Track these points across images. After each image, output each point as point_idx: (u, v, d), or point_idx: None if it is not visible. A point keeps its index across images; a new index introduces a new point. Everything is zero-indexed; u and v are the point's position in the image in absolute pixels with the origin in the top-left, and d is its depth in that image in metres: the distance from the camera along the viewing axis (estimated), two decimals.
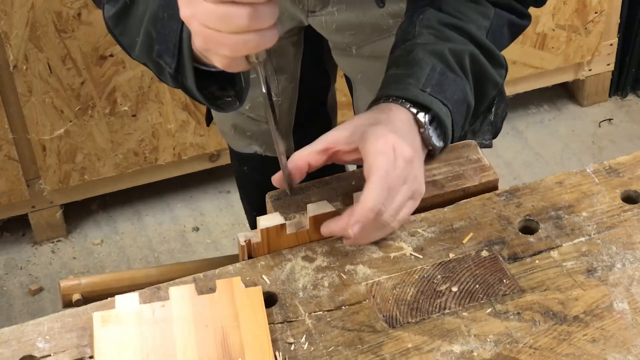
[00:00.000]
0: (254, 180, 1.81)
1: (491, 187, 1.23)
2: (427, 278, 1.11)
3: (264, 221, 1.14)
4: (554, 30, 2.63)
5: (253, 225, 1.16)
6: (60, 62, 2.24)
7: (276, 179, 1.16)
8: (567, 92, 2.95)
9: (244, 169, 1.82)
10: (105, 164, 2.42)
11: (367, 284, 1.10)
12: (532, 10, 1.33)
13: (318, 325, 1.06)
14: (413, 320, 1.06)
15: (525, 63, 2.66)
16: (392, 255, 1.14)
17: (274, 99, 1.09)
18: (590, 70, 2.80)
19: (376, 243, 1.15)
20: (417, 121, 1.18)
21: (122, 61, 2.28)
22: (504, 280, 1.10)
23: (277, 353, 1.03)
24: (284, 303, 1.09)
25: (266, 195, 1.21)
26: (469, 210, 1.19)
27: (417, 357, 1.02)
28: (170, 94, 2.37)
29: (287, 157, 1.16)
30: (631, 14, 2.77)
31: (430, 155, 1.23)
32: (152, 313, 1.06)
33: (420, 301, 1.08)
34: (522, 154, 2.76)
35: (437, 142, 1.20)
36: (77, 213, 2.59)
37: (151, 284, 1.11)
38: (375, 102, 1.22)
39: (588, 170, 1.24)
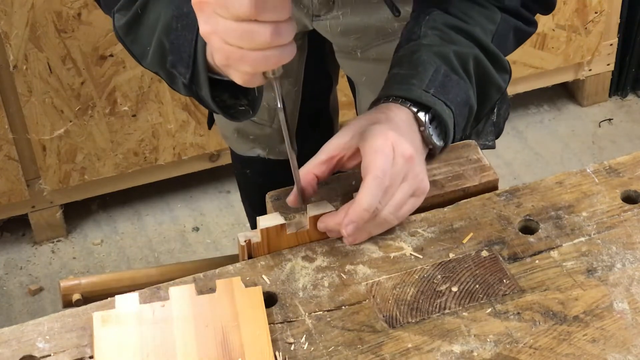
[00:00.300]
0: (256, 183, 1.81)
1: (491, 187, 1.23)
2: (427, 278, 1.11)
3: (264, 221, 1.14)
4: (554, 30, 2.63)
5: (254, 228, 1.16)
6: (60, 62, 2.24)
7: (291, 200, 1.16)
8: (567, 92, 2.95)
9: (247, 172, 1.82)
10: (105, 164, 2.42)
11: (367, 284, 1.10)
12: None
13: (318, 325, 1.06)
14: (413, 320, 1.06)
15: (525, 63, 2.66)
16: (392, 255, 1.14)
17: (279, 106, 1.09)
18: (590, 70, 2.80)
19: (376, 243, 1.15)
20: (417, 120, 1.18)
21: (122, 61, 2.28)
22: (504, 280, 1.10)
23: (277, 353, 1.03)
24: (284, 303, 1.09)
25: (266, 195, 1.21)
26: (469, 210, 1.19)
27: (417, 357, 1.02)
28: (170, 94, 2.37)
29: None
30: (631, 14, 2.77)
31: (431, 154, 1.23)
32: (152, 313, 1.06)
33: (420, 301, 1.08)
34: (522, 154, 2.76)
35: (438, 141, 1.20)
36: (77, 213, 2.59)
37: (151, 284, 1.11)
38: (376, 102, 1.22)
39: (588, 170, 1.24)
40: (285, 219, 1.14)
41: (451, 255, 1.13)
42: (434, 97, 1.18)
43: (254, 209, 1.88)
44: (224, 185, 2.68)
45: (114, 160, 2.42)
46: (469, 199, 1.21)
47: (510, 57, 1.31)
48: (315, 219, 1.15)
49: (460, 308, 1.07)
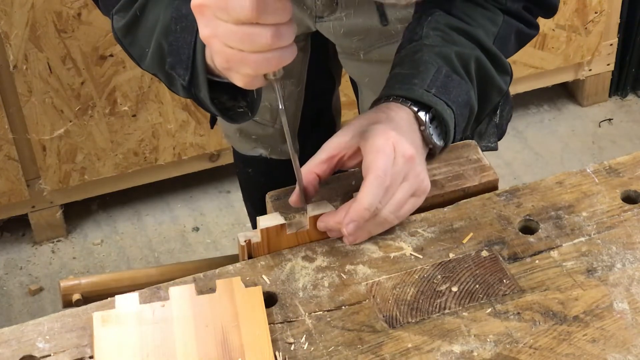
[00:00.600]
0: (258, 183, 1.81)
1: (491, 187, 1.23)
2: (427, 278, 1.11)
3: (264, 221, 1.14)
4: (554, 30, 2.63)
5: (256, 228, 1.16)
6: (60, 62, 2.24)
7: (293, 200, 1.16)
8: (567, 92, 2.95)
9: (249, 172, 1.82)
10: (105, 164, 2.42)
11: (367, 284, 1.10)
12: None
13: (318, 325, 1.06)
14: (413, 320, 1.06)
15: (525, 63, 2.66)
16: (392, 255, 1.14)
17: (280, 107, 1.10)
18: (590, 70, 2.80)
19: (376, 243, 1.15)
20: (417, 119, 1.18)
21: (122, 61, 2.28)
22: (504, 280, 1.10)
23: (277, 353, 1.03)
24: (284, 303, 1.09)
25: (266, 195, 1.21)
26: (469, 210, 1.19)
27: (417, 357, 1.02)
28: (170, 94, 2.37)
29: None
30: (631, 14, 2.77)
31: (431, 154, 1.23)
32: (152, 313, 1.06)
33: (420, 301, 1.08)
34: (522, 154, 2.76)
35: (438, 141, 1.20)
36: (77, 213, 2.59)
37: (151, 284, 1.11)
38: (377, 101, 1.22)
39: (588, 170, 1.24)
40: (285, 219, 1.14)
41: (451, 255, 1.13)
42: (435, 97, 1.18)
43: (256, 208, 1.88)
44: (224, 185, 2.68)
45: (114, 160, 2.42)
46: (469, 199, 1.21)
47: (510, 57, 1.31)
48: (315, 219, 1.15)
49: (460, 308, 1.07)
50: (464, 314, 1.07)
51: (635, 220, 1.17)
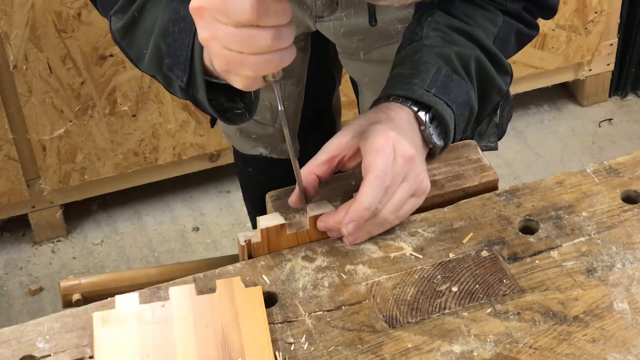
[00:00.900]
0: (258, 182, 1.81)
1: (491, 187, 1.23)
2: (427, 278, 1.11)
3: (264, 221, 1.14)
4: (554, 30, 2.63)
5: (256, 227, 1.16)
6: (60, 62, 2.24)
7: (293, 200, 1.16)
8: (567, 92, 2.95)
9: (249, 171, 1.82)
10: (105, 164, 2.42)
11: (367, 284, 1.10)
12: None
13: (318, 325, 1.06)
14: (413, 320, 1.06)
15: (525, 63, 2.66)
16: (392, 255, 1.14)
17: (280, 109, 1.10)
18: (590, 70, 2.80)
19: (376, 243, 1.15)
20: (417, 119, 1.18)
21: (122, 61, 2.28)
22: (504, 280, 1.10)
23: (277, 353, 1.03)
24: (284, 303, 1.09)
25: (266, 195, 1.21)
26: (469, 210, 1.19)
27: (417, 357, 1.02)
28: (171, 94, 2.36)
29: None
30: (631, 14, 2.77)
31: (430, 154, 1.23)
32: (152, 313, 1.06)
33: (420, 301, 1.08)
34: (522, 154, 2.76)
35: (438, 141, 1.20)
36: (77, 213, 2.59)
37: (151, 284, 1.11)
38: (377, 101, 1.22)
39: (588, 170, 1.24)
40: (285, 219, 1.14)
41: (451, 255, 1.13)
42: (435, 96, 1.18)
43: (256, 208, 1.88)
44: (224, 185, 2.68)
45: (114, 160, 2.42)
46: (469, 199, 1.21)
47: (510, 58, 1.31)
48: (315, 219, 1.15)
49: (460, 308, 1.07)
50: (464, 314, 1.07)
51: (635, 220, 1.17)
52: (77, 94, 2.29)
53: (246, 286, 1.08)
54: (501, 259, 1.13)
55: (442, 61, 1.21)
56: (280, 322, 1.06)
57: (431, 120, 1.19)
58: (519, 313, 1.06)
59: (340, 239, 1.16)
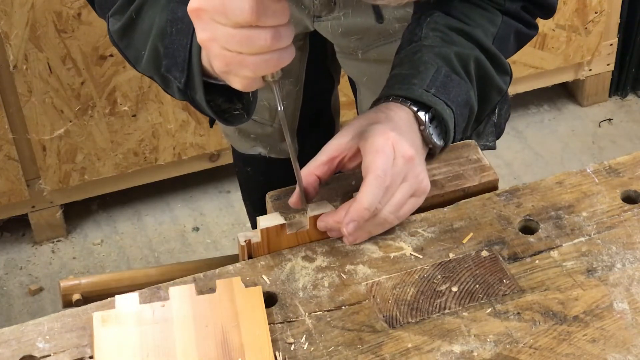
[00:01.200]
0: (257, 182, 1.81)
1: (491, 187, 1.23)
2: (427, 278, 1.11)
3: (264, 221, 1.14)
4: (554, 30, 2.63)
5: (255, 227, 1.16)
6: (60, 62, 2.24)
7: (293, 201, 1.16)
8: (567, 92, 2.95)
9: (248, 170, 1.82)
10: (105, 164, 2.42)
11: (367, 284, 1.10)
12: None
13: (318, 325, 1.06)
14: (413, 320, 1.06)
15: (525, 63, 2.66)
16: (392, 255, 1.14)
17: (279, 109, 1.10)
18: (590, 70, 2.80)
19: (376, 243, 1.15)
20: (417, 119, 1.18)
21: (122, 61, 2.28)
22: (504, 280, 1.10)
23: (277, 353, 1.03)
24: (284, 303, 1.09)
25: (266, 195, 1.21)
26: (469, 210, 1.19)
27: (417, 357, 1.02)
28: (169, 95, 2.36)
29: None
30: (631, 14, 2.77)
31: (430, 154, 1.23)
32: (152, 313, 1.06)
33: (420, 301, 1.08)
34: (522, 154, 2.76)
35: (438, 141, 1.20)
36: (77, 213, 2.59)
37: (151, 284, 1.11)
38: (376, 101, 1.22)
39: (588, 170, 1.24)
40: (285, 219, 1.14)
41: (451, 255, 1.13)
42: (434, 96, 1.18)
43: (255, 207, 1.88)
44: (224, 185, 2.68)
45: (114, 160, 2.42)
46: (469, 199, 1.21)
47: (510, 57, 1.31)
48: (315, 219, 1.15)
49: (460, 308, 1.07)
50: (464, 314, 1.07)
51: (635, 220, 1.17)
52: (77, 94, 2.29)
53: (246, 286, 1.08)
54: (501, 259, 1.13)
55: (441, 61, 1.21)
56: (280, 322, 1.06)
57: (431, 120, 1.19)
58: (519, 313, 1.06)
59: (340, 239, 1.16)
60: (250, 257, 1.15)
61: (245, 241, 1.14)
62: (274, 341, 1.04)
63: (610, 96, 2.93)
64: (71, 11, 2.18)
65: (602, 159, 2.68)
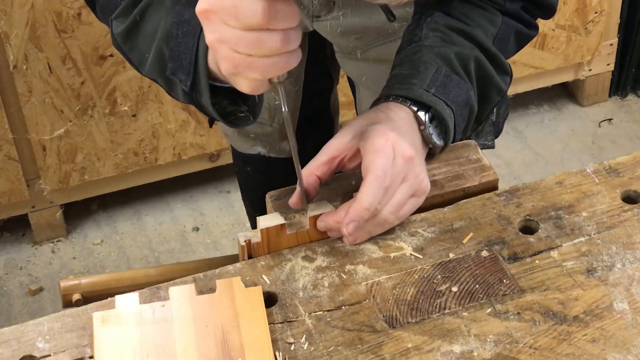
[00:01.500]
0: (257, 181, 1.81)
1: (491, 187, 1.23)
2: (427, 278, 1.11)
3: (264, 221, 1.14)
4: (554, 30, 2.63)
5: (255, 227, 1.16)
6: (60, 62, 2.24)
7: (293, 201, 1.16)
8: (567, 92, 2.95)
9: (247, 170, 1.82)
10: (105, 164, 2.42)
11: (367, 284, 1.10)
12: None
13: (318, 325, 1.06)
14: (413, 320, 1.06)
15: (525, 63, 2.66)
16: (392, 255, 1.14)
17: (284, 110, 1.09)
18: (590, 70, 2.80)
19: (376, 243, 1.15)
20: (417, 119, 1.18)
21: (122, 61, 2.28)
22: (504, 280, 1.10)
23: (277, 353, 1.03)
24: (284, 303, 1.09)
25: (266, 195, 1.21)
26: (469, 210, 1.19)
27: (417, 357, 1.02)
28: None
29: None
30: (631, 14, 2.77)
31: (430, 154, 1.23)
32: (152, 313, 1.06)
33: (420, 301, 1.08)
34: (522, 154, 2.76)
35: (438, 141, 1.20)
36: (77, 213, 2.59)
37: (151, 284, 1.11)
38: (376, 101, 1.22)
39: (588, 170, 1.24)
40: (285, 219, 1.14)
41: (451, 255, 1.13)
42: (434, 96, 1.18)
43: (255, 207, 1.88)
44: (224, 185, 2.68)
45: (114, 160, 2.42)
46: (469, 199, 1.21)
47: (510, 57, 1.31)
48: (315, 219, 1.15)
49: (460, 308, 1.07)
50: (464, 314, 1.07)
51: (635, 220, 1.17)
52: (77, 94, 2.29)
53: (246, 286, 1.08)
54: (501, 259, 1.13)
55: (441, 61, 1.21)
56: (280, 322, 1.06)
57: (431, 120, 1.19)
58: (519, 313, 1.06)
59: (340, 239, 1.16)
60: (250, 257, 1.15)
61: (245, 241, 1.14)
62: (274, 341, 1.04)
63: (610, 96, 2.93)
64: (71, 11, 2.18)
65: (602, 159, 2.68)
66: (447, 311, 1.07)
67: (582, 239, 1.15)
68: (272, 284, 1.11)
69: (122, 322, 1.04)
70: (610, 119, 2.88)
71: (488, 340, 1.03)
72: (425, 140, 1.19)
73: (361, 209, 1.10)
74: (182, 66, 1.11)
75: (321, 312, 1.07)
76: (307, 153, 1.22)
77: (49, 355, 1.03)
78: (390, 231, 1.16)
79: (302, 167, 1.15)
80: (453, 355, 1.02)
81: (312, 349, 1.03)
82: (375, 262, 1.13)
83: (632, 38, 2.81)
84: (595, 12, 2.65)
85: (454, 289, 1.09)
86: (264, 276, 1.12)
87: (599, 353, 1.02)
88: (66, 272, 2.45)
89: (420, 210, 1.18)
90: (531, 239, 1.15)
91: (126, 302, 1.07)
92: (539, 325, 1.05)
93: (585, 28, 2.66)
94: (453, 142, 1.23)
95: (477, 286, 1.09)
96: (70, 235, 2.56)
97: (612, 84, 2.90)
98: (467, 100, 1.21)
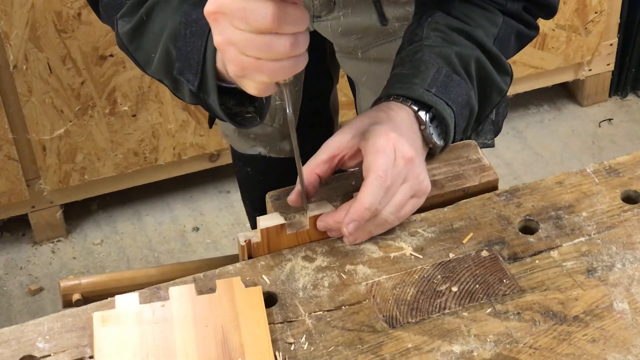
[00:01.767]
0: (257, 181, 1.81)
1: (491, 187, 1.23)
2: (427, 278, 1.11)
3: (264, 221, 1.14)
4: (554, 30, 2.63)
5: (254, 227, 1.16)
6: (60, 62, 2.24)
7: (292, 199, 1.16)
8: (567, 92, 2.95)
9: (247, 170, 1.82)
10: (105, 164, 2.42)
11: (367, 284, 1.10)
12: None
13: (318, 325, 1.06)
14: (413, 320, 1.06)
15: (525, 63, 2.67)
16: (392, 255, 1.14)
17: (288, 112, 1.09)
18: (590, 70, 2.80)
19: (376, 243, 1.15)
20: (418, 119, 1.18)
21: (122, 61, 2.28)
22: (504, 280, 1.10)
23: (277, 353, 1.03)
24: (284, 303, 1.09)
25: (266, 195, 1.21)
26: (469, 210, 1.19)
27: (417, 357, 1.02)
28: (171, 93, 2.37)
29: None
30: (631, 14, 2.77)
31: (430, 154, 1.23)
32: (152, 313, 1.06)
33: (420, 301, 1.08)
34: (522, 154, 2.76)
35: (438, 140, 1.20)
36: (77, 213, 2.59)
37: (151, 284, 1.11)
38: (377, 100, 1.22)
39: (588, 170, 1.24)
40: (285, 219, 1.15)
41: (451, 255, 1.13)
42: (435, 96, 1.18)
43: (255, 207, 1.88)
44: (224, 185, 2.68)
45: (114, 160, 2.42)
46: (469, 199, 1.21)
47: (510, 58, 1.31)
48: (315, 219, 1.15)
49: (460, 308, 1.07)
50: (464, 314, 1.07)
51: (635, 220, 1.17)
52: (77, 94, 2.29)
53: (246, 286, 1.08)
54: (501, 259, 1.13)
55: (442, 61, 1.21)
56: (280, 322, 1.06)
57: (431, 120, 1.19)
58: (519, 313, 1.06)
59: (340, 239, 1.16)
60: (250, 257, 1.15)
61: (245, 241, 1.14)
62: (274, 341, 1.04)
63: (610, 96, 2.94)
64: (71, 11, 2.18)
65: (602, 159, 2.68)
66: (447, 311, 1.07)
67: (582, 239, 1.15)
68: (272, 284, 1.11)
69: (122, 322, 1.04)
70: (610, 119, 2.88)
71: (488, 340, 1.03)
72: (426, 140, 1.19)
73: (362, 209, 1.10)
74: (190, 66, 1.11)
75: (321, 312, 1.07)
76: (306, 152, 1.22)
77: (49, 355, 1.03)
78: (390, 231, 1.16)
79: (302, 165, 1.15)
80: (453, 355, 1.02)
81: (312, 349, 1.03)
82: (375, 262, 1.13)
83: (632, 38, 2.81)
84: (595, 12, 2.65)
85: (454, 289, 1.09)
86: (264, 276, 1.12)
87: (599, 353, 1.02)
88: (66, 272, 2.45)
89: (420, 210, 1.18)
90: (531, 239, 1.15)
91: (126, 302, 1.07)
92: (539, 325, 1.05)
93: (585, 28, 2.67)
94: (453, 142, 1.23)
95: (477, 286, 1.09)
96: (70, 235, 2.56)
97: (612, 84, 2.90)
98: (467, 100, 1.22)
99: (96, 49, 2.25)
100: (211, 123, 1.78)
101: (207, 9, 0.99)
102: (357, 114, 1.69)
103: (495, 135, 1.43)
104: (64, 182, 2.42)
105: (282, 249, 1.15)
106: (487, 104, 1.27)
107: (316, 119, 1.79)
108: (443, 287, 1.09)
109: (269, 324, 1.05)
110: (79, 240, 2.55)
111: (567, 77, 2.81)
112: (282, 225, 1.14)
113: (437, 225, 1.17)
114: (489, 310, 1.07)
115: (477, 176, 1.23)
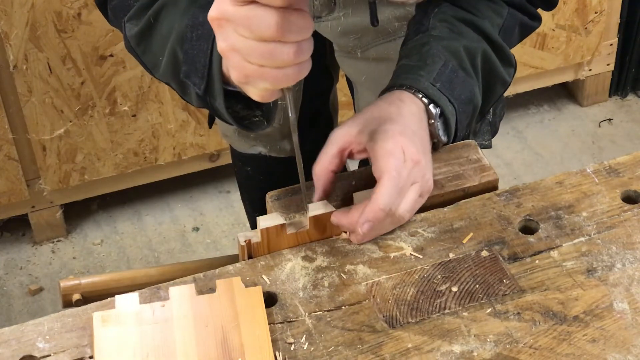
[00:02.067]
0: (257, 181, 1.81)
1: (491, 187, 1.23)
2: (427, 278, 1.11)
3: (264, 221, 1.14)
4: (554, 30, 2.63)
5: (254, 227, 1.16)
6: (60, 62, 2.24)
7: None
8: (567, 92, 2.95)
9: (247, 170, 1.82)
10: (105, 164, 2.42)
11: (367, 284, 1.10)
12: None
13: (318, 325, 1.06)
14: (413, 320, 1.06)
15: (525, 63, 2.66)
16: (392, 255, 1.14)
17: (291, 116, 1.08)
18: (590, 70, 2.80)
19: (376, 243, 1.15)
20: (427, 112, 1.18)
21: (122, 61, 2.28)
22: (504, 280, 1.10)
23: (277, 353, 1.03)
24: (284, 303, 1.09)
25: (266, 195, 1.21)
26: (469, 210, 1.19)
27: (417, 357, 1.02)
28: (171, 93, 2.37)
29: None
30: (631, 14, 2.77)
31: (433, 148, 1.22)
32: (152, 313, 1.06)
33: (420, 301, 1.08)
34: (522, 154, 2.76)
35: (443, 136, 1.21)
36: (77, 213, 2.59)
37: (151, 284, 1.11)
38: (385, 90, 1.21)
39: (588, 170, 1.24)
40: (285, 219, 1.15)
41: (451, 255, 1.13)
42: (439, 91, 1.18)
43: (254, 207, 1.88)
44: (224, 185, 2.68)
45: (114, 160, 2.42)
46: (469, 199, 1.21)
47: (512, 49, 1.32)
48: (316, 219, 1.15)
49: (460, 308, 1.07)
50: (464, 314, 1.07)
51: (635, 220, 1.17)
52: (77, 94, 2.29)
53: (246, 286, 1.08)
54: (501, 259, 1.13)
55: (450, 55, 1.20)
56: (280, 322, 1.06)
57: (440, 115, 1.19)
58: (519, 313, 1.06)
59: (341, 238, 1.16)
60: (250, 257, 1.15)
61: (245, 241, 1.14)
62: (274, 341, 1.04)
63: (610, 96, 2.93)
64: (71, 11, 2.18)
65: (602, 159, 2.68)
66: (447, 311, 1.07)
67: (582, 239, 1.15)
68: (272, 284, 1.11)
69: (122, 322, 1.04)
70: (610, 119, 2.88)
71: (488, 340, 1.03)
72: (432, 134, 1.19)
73: (377, 209, 1.10)
74: (196, 69, 1.10)
75: (321, 312, 1.07)
76: (306, 151, 1.22)
77: (49, 355, 1.03)
78: (390, 231, 1.16)
79: (305, 163, 1.15)
80: (453, 355, 1.02)
81: (312, 349, 1.03)
82: (375, 262, 1.13)
83: (632, 38, 2.81)
84: (595, 12, 2.65)
85: (454, 289, 1.09)
86: (264, 276, 1.12)
87: (599, 353, 1.02)
88: (66, 272, 2.45)
89: (420, 210, 1.18)
90: (531, 239, 1.15)
91: (126, 302, 1.07)
92: (539, 325, 1.05)
93: (585, 28, 2.67)
94: (456, 138, 1.23)
95: (477, 286, 1.09)
96: (70, 235, 2.56)
97: (612, 84, 2.90)
98: (470, 97, 1.21)
99: (96, 49, 2.25)
100: (211, 123, 1.78)
101: (211, 14, 0.98)
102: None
103: (493, 136, 1.43)
104: (64, 182, 2.42)
105: (282, 249, 1.15)
106: (490, 95, 1.27)
107: (316, 118, 1.79)
108: (443, 287, 1.09)
109: (269, 324, 1.05)
110: (79, 240, 2.55)
111: (567, 77, 2.81)
112: (282, 225, 1.14)
113: (437, 225, 1.17)
114: (489, 310, 1.07)
115: (477, 176, 1.23)
